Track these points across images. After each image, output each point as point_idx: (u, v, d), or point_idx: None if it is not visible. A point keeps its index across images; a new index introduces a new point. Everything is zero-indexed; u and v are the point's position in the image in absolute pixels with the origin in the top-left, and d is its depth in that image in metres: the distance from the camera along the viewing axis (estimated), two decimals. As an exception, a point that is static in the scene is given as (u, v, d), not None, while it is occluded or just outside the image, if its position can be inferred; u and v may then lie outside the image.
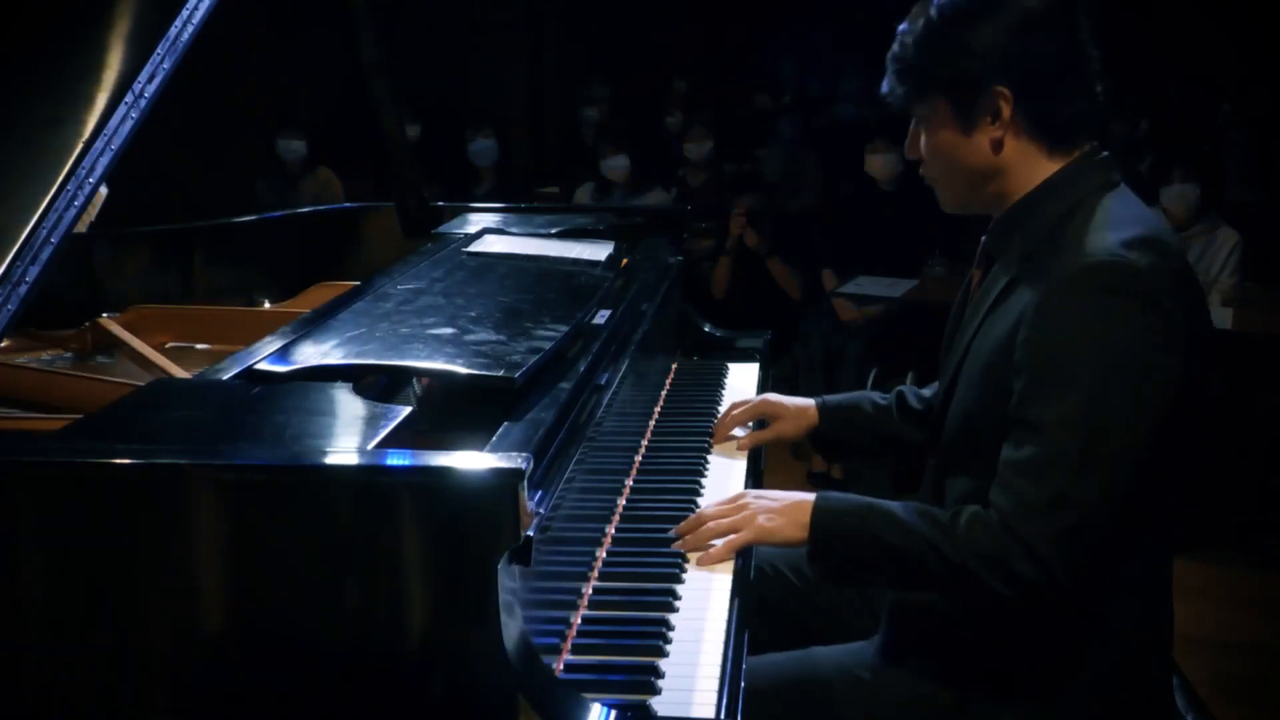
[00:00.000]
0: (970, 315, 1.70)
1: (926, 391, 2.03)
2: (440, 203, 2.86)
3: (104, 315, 2.31)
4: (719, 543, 1.69)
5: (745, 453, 2.14)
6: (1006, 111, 1.59)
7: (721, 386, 2.48)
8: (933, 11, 1.62)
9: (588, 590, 1.62)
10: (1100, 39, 1.62)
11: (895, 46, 1.67)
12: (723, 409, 2.34)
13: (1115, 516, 1.47)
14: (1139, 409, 1.46)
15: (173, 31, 1.66)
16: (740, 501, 1.72)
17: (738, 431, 2.19)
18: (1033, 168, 1.63)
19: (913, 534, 1.54)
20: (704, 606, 1.60)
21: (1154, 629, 1.63)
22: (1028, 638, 1.59)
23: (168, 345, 2.32)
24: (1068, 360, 1.48)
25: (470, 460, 1.22)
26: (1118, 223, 1.55)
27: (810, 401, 2.13)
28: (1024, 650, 1.60)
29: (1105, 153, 1.67)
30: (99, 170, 1.55)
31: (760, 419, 2.18)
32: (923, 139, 1.69)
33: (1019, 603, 1.48)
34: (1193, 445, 1.59)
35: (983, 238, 1.73)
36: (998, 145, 1.61)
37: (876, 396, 2.10)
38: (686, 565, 1.69)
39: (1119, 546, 1.52)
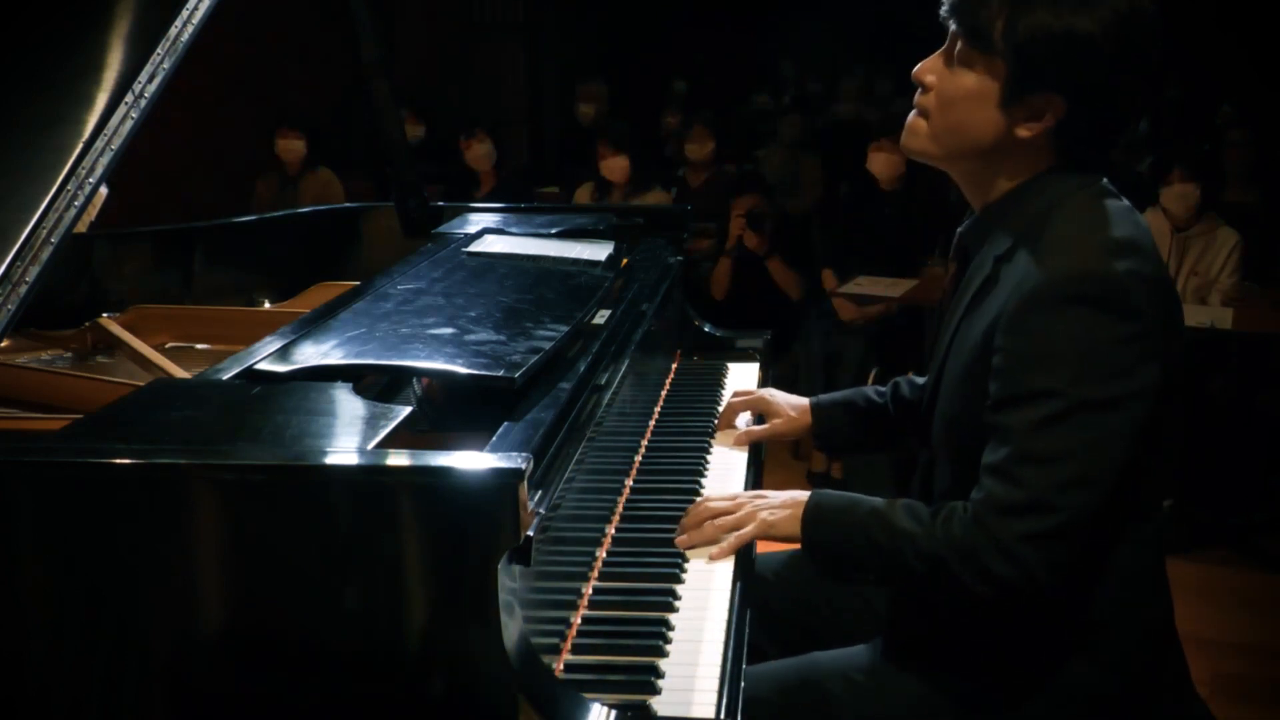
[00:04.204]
0: (950, 314, 1.69)
1: (920, 380, 2.03)
2: (440, 203, 2.86)
3: (104, 315, 2.31)
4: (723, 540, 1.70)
5: (745, 452, 2.14)
6: (1049, 120, 1.55)
7: (721, 386, 2.48)
8: None
9: (588, 590, 1.62)
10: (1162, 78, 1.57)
11: None
12: (723, 409, 2.35)
13: (1095, 522, 1.48)
14: (1115, 416, 1.46)
15: (173, 31, 1.66)
16: (740, 500, 1.74)
17: (738, 423, 2.21)
18: (1030, 169, 1.60)
19: (895, 529, 1.55)
20: (704, 606, 1.60)
21: (1151, 621, 1.63)
22: (1024, 635, 1.60)
23: (168, 345, 2.32)
24: (1043, 367, 1.47)
25: (470, 460, 1.22)
26: (1096, 226, 1.53)
27: (804, 401, 2.13)
28: (1022, 648, 1.60)
29: None
30: (99, 170, 1.55)
31: (759, 414, 2.20)
32: (948, 72, 1.59)
33: (996, 601, 1.48)
34: (1171, 440, 1.60)
35: (958, 230, 1.71)
36: (1017, 137, 1.56)
37: (872, 392, 2.10)
38: (686, 565, 1.69)
39: (1102, 544, 1.53)
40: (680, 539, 1.72)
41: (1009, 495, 1.46)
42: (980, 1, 1.54)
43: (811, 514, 1.64)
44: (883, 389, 2.09)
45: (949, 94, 1.59)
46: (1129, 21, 1.50)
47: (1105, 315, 1.46)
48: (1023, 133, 1.56)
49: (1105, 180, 1.61)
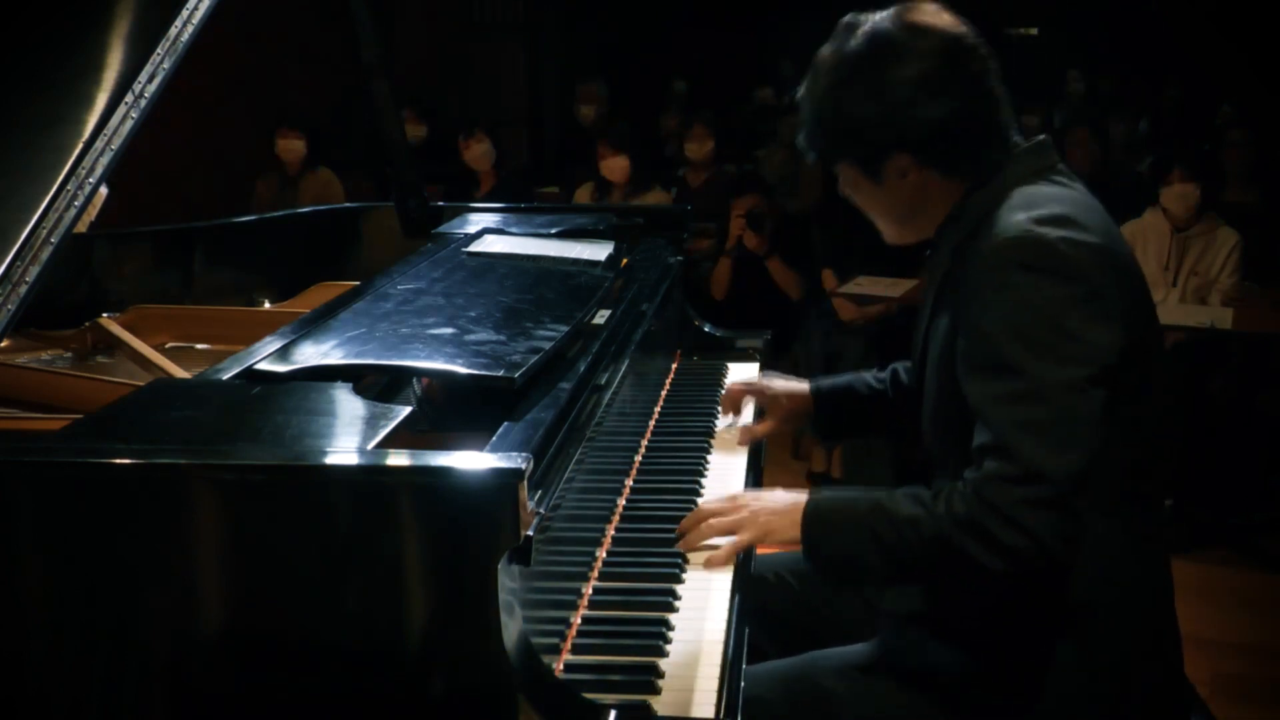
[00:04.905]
0: (922, 317, 1.74)
1: None
2: (440, 203, 2.86)
3: (104, 315, 2.32)
4: (721, 542, 1.69)
5: (745, 450, 2.14)
6: (913, 174, 1.66)
7: (721, 386, 2.48)
8: (820, 83, 1.68)
9: (588, 590, 1.62)
10: (1002, 66, 1.65)
11: (801, 105, 1.73)
12: (723, 393, 2.35)
13: (1087, 484, 1.48)
14: (1074, 377, 1.47)
15: (173, 31, 1.66)
16: (738, 502, 1.73)
17: (738, 420, 2.22)
18: (955, 193, 1.67)
19: (898, 518, 1.55)
20: (704, 606, 1.60)
21: (1151, 621, 1.64)
22: (1024, 636, 1.60)
23: (168, 345, 2.32)
24: (994, 339, 1.51)
25: (470, 460, 1.23)
26: (1032, 203, 1.58)
27: (804, 387, 2.14)
28: (1022, 648, 1.60)
29: (1041, 136, 1.71)
30: (99, 170, 1.55)
31: (758, 408, 2.20)
32: (846, 188, 1.76)
33: (1007, 572, 1.48)
34: (1170, 440, 1.61)
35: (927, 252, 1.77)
36: (913, 192, 1.68)
37: (871, 378, 2.12)
38: (686, 565, 1.69)
39: (1100, 528, 1.54)
40: (681, 543, 1.72)
41: (1002, 469, 1.48)
42: (809, 133, 1.71)
43: (811, 515, 1.63)
44: (881, 374, 2.10)
45: (855, 200, 1.77)
46: (921, 77, 1.60)
47: (1044, 278, 1.50)
48: (910, 188, 1.68)
49: (1059, 167, 1.66)
